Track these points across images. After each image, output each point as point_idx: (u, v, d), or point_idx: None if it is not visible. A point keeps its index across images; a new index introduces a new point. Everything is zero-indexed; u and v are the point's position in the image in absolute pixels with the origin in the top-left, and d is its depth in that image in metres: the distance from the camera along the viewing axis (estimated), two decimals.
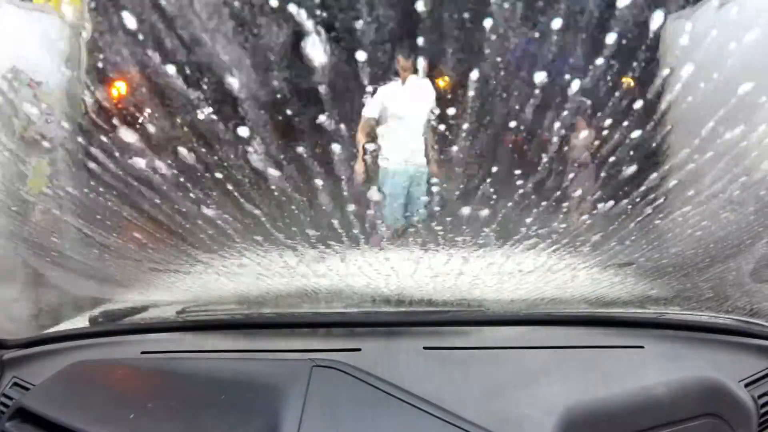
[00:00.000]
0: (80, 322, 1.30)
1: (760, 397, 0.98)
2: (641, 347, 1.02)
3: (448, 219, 1.32)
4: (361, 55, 0.94)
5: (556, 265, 1.26)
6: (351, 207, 1.23)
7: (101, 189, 1.26)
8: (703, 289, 1.28)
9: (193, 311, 1.19)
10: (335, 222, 1.24)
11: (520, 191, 1.23)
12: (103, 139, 1.14)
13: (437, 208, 1.44)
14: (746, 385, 0.99)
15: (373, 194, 1.24)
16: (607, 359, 0.98)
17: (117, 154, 1.27)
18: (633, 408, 0.89)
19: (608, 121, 1.19)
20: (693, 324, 1.12)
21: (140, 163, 1.18)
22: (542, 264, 1.26)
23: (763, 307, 1.23)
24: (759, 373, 1.02)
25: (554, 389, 0.89)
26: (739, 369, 1.01)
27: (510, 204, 1.23)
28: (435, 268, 1.19)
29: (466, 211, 1.28)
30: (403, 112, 2.46)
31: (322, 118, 1.05)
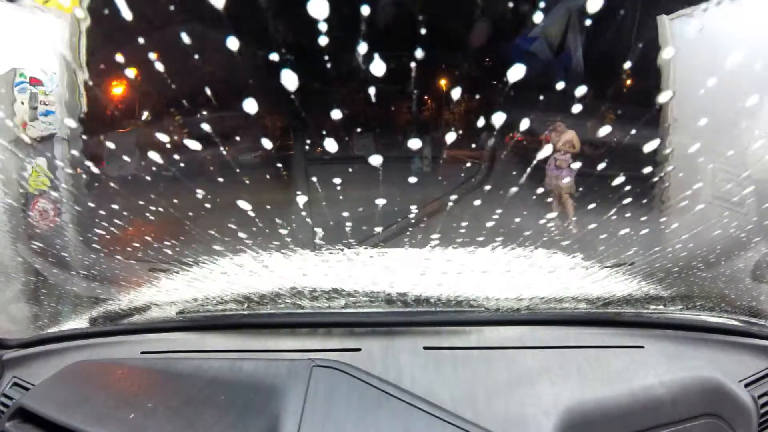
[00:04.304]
0: (80, 322, 1.30)
1: (760, 397, 0.98)
2: (641, 347, 1.02)
3: (448, 219, 1.32)
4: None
5: (556, 265, 1.26)
6: (350, 207, 1.23)
7: (101, 189, 1.26)
8: (703, 289, 1.27)
9: (193, 311, 1.18)
10: (335, 222, 1.24)
11: (521, 193, 1.22)
12: (103, 138, 1.14)
13: (437, 209, 1.44)
14: (746, 385, 0.99)
15: (373, 195, 1.24)
16: (607, 359, 0.98)
17: (116, 154, 1.27)
18: (633, 408, 0.89)
19: (608, 124, 1.19)
20: (693, 324, 1.12)
21: (139, 162, 1.17)
22: (542, 264, 1.26)
23: (763, 307, 1.23)
24: (759, 373, 1.02)
25: (554, 389, 0.89)
26: (739, 369, 1.01)
27: (510, 205, 1.22)
28: (435, 268, 1.19)
29: (466, 211, 1.28)
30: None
31: (322, 120, 1.05)
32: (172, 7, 1.01)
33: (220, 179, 1.24)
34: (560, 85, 1.09)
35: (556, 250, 1.28)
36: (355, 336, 1.06)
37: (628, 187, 1.18)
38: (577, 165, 1.94)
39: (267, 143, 1.22)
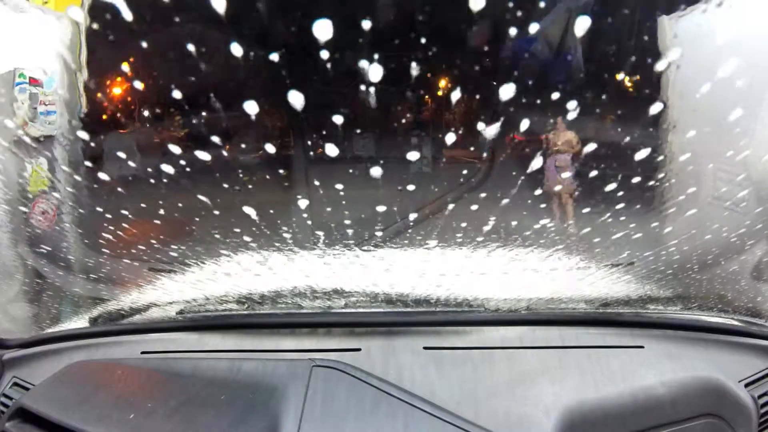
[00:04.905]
0: (80, 322, 1.30)
1: (760, 397, 0.98)
2: (641, 347, 1.02)
3: (448, 220, 1.32)
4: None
5: (556, 265, 1.26)
6: (351, 209, 1.23)
7: (101, 189, 1.26)
8: (703, 289, 1.28)
9: (193, 311, 1.18)
10: (336, 224, 1.24)
11: (520, 193, 1.22)
12: (103, 138, 1.14)
13: (437, 209, 1.44)
14: (746, 385, 0.99)
15: (373, 196, 1.24)
16: (607, 359, 0.98)
17: (116, 154, 1.27)
18: (633, 408, 0.89)
19: (608, 124, 1.19)
20: (693, 324, 1.12)
21: (139, 163, 1.17)
22: (542, 266, 1.26)
23: (763, 307, 1.23)
24: (759, 373, 1.02)
25: (554, 389, 0.89)
26: (739, 369, 1.01)
27: (510, 206, 1.23)
28: (435, 268, 1.19)
29: (465, 212, 1.28)
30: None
31: (324, 120, 1.05)
32: (172, 9, 1.01)
33: (221, 179, 1.24)
34: (560, 86, 1.10)
35: (555, 251, 1.28)
36: (355, 336, 1.06)
37: (628, 188, 1.18)
38: (576, 167, 1.94)
39: (267, 145, 1.22)
